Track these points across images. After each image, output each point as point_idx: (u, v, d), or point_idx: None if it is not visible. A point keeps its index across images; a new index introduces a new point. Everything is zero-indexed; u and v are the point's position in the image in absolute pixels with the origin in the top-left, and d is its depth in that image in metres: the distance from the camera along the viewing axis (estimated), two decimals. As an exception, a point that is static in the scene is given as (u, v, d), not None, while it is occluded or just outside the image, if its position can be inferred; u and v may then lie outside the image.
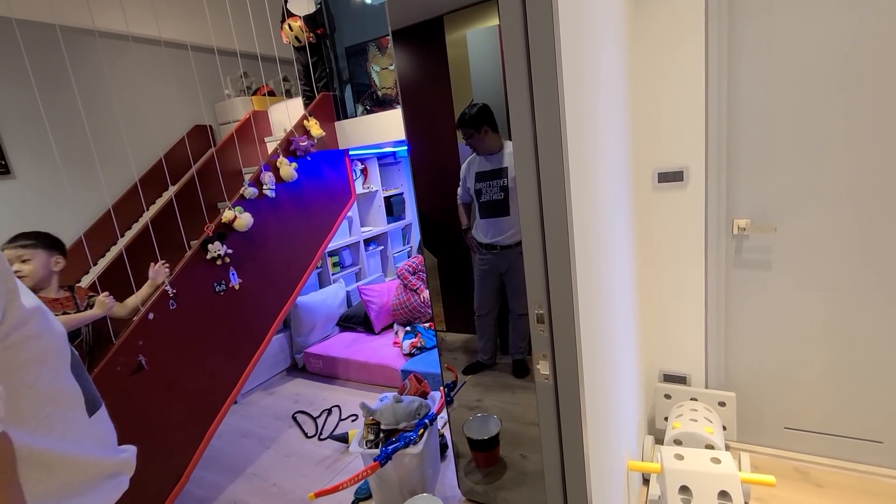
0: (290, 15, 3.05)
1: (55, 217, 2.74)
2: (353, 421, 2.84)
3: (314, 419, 2.91)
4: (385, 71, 3.12)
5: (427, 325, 3.50)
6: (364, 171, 4.33)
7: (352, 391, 3.27)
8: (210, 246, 2.23)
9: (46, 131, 2.69)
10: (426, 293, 3.56)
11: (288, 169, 2.64)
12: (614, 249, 1.37)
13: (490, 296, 1.87)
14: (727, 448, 1.88)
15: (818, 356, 1.84)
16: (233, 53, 2.84)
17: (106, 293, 1.78)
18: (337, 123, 3.16)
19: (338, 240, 3.98)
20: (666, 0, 1.77)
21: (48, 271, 1.76)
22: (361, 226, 4.36)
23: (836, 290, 1.76)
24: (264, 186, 2.54)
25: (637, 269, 1.94)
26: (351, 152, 3.44)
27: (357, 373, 3.35)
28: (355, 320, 3.84)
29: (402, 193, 4.82)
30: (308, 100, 3.16)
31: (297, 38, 3.06)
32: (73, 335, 1.84)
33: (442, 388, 2.11)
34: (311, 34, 3.06)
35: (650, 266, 2.04)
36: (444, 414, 2.09)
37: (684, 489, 1.40)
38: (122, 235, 2.98)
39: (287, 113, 3.18)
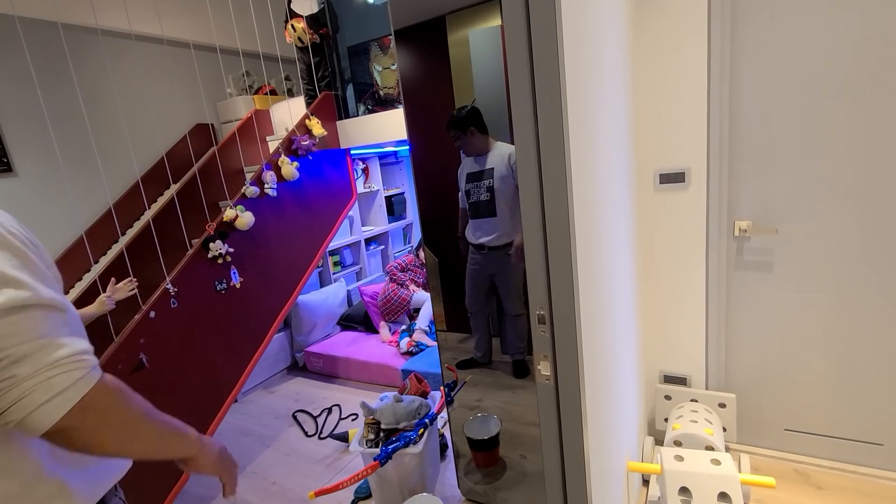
0: (294, 15, 3.06)
1: (57, 215, 2.75)
2: (353, 420, 2.84)
3: (314, 418, 2.91)
4: (387, 70, 3.13)
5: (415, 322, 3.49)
6: (365, 171, 4.33)
7: (352, 390, 3.28)
8: (211, 245, 2.23)
9: (49, 129, 2.70)
10: (413, 288, 3.55)
11: (289, 168, 2.64)
12: (615, 250, 1.37)
13: (480, 296, 1.88)
14: (727, 449, 1.88)
15: (819, 358, 1.84)
16: (235, 52, 2.84)
17: (107, 294, 1.78)
18: (339, 123, 3.16)
19: (339, 239, 3.99)
20: (668, 1, 1.77)
21: None
22: (362, 225, 4.37)
23: (836, 292, 1.76)
24: (266, 185, 2.54)
25: (638, 270, 1.94)
26: (352, 151, 3.44)
27: (357, 372, 3.35)
28: (356, 319, 3.84)
29: (403, 193, 4.82)
30: (310, 99, 3.16)
31: (300, 38, 3.06)
32: None
33: (442, 387, 2.11)
34: (314, 35, 3.06)
35: (651, 267, 2.04)
36: (444, 414, 2.10)
37: (684, 490, 1.40)
38: (124, 234, 2.98)
39: (289, 112, 3.18)
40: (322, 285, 4.00)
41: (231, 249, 2.33)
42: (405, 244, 5.07)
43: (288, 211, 2.76)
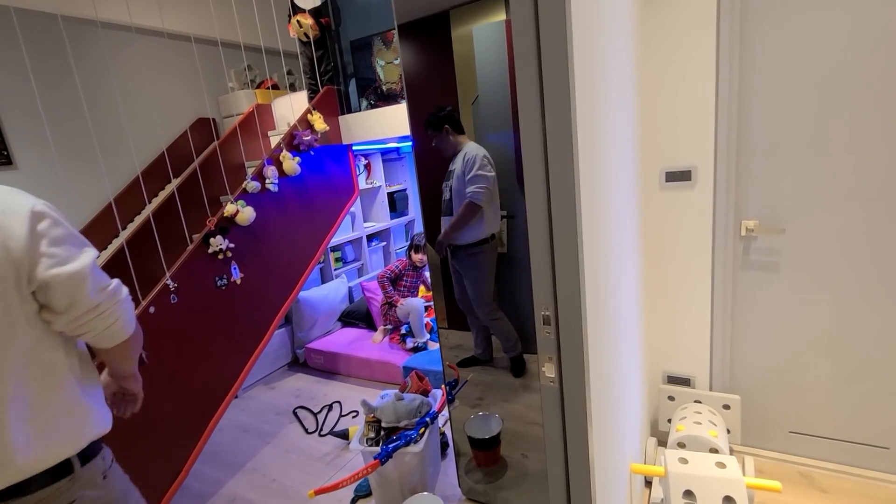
0: (297, 10, 3.02)
1: (57, 208, 2.73)
2: (353, 417, 2.83)
3: (315, 415, 2.90)
4: (390, 65, 3.10)
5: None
6: (367, 167, 4.30)
7: (353, 387, 3.26)
8: (212, 240, 2.22)
9: (46, 123, 2.68)
10: (401, 302, 3.44)
11: (291, 163, 2.62)
12: (621, 249, 1.34)
13: (460, 294, 1.90)
14: (731, 452, 1.86)
15: (825, 360, 1.82)
16: (237, 46, 2.81)
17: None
18: (341, 118, 3.14)
19: (340, 235, 3.97)
20: (677, -4, 1.74)
21: None
22: (364, 221, 4.35)
23: (844, 293, 1.74)
24: (267, 180, 2.52)
25: (643, 269, 1.92)
26: (355, 147, 3.41)
27: (358, 369, 3.34)
28: (357, 316, 3.82)
29: (405, 189, 4.80)
30: (313, 93, 3.14)
31: (305, 34, 3.03)
32: None
33: (444, 386, 2.09)
34: (318, 30, 3.03)
35: (656, 266, 2.02)
36: (445, 412, 2.08)
37: (688, 493, 1.38)
38: (124, 228, 2.97)
39: (291, 107, 3.15)
40: (323, 281, 3.98)
41: (232, 245, 2.31)
42: (407, 241, 5.05)
43: (289, 206, 2.74)
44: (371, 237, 4.48)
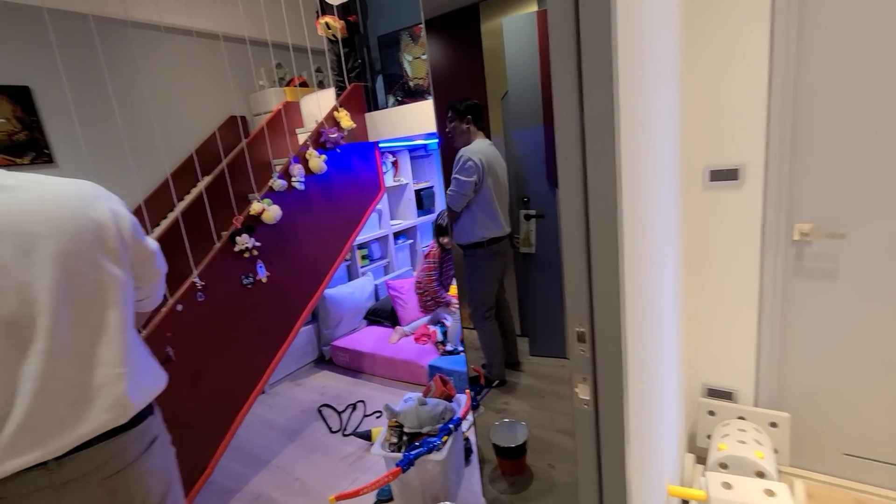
0: (326, 8, 2.99)
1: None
2: (377, 418, 2.81)
3: (339, 414, 2.89)
4: (417, 60, 3.03)
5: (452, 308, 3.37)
6: (395, 164, 4.27)
7: (377, 386, 3.25)
8: (238, 238, 2.22)
9: (86, 124, 2.75)
10: (454, 308, 3.39)
11: (317, 161, 2.60)
12: (663, 255, 1.24)
13: None
14: (779, 474, 1.72)
15: (885, 376, 1.65)
16: (264, 44, 2.82)
17: None
18: (367, 115, 3.10)
19: (367, 232, 3.95)
20: (727, -21, 1.60)
21: None
22: (391, 219, 4.32)
23: (912, 305, 1.57)
24: (293, 178, 2.51)
25: (682, 274, 1.80)
26: (382, 144, 3.37)
27: (383, 368, 3.32)
28: (382, 314, 3.80)
29: (432, 187, 4.74)
30: (340, 91, 3.11)
31: (333, 35, 3.01)
32: None
33: (468, 391, 2.03)
34: (345, 29, 3.00)
35: (696, 270, 1.89)
36: (469, 416, 2.02)
37: (732, 521, 1.27)
38: (159, 225, 3.03)
39: (318, 104, 3.14)
40: (350, 279, 3.98)
41: (258, 243, 2.31)
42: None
43: (315, 204, 2.72)
44: (398, 235, 4.45)
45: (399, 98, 3.15)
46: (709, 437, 1.87)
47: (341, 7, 3.00)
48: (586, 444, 0.84)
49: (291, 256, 2.58)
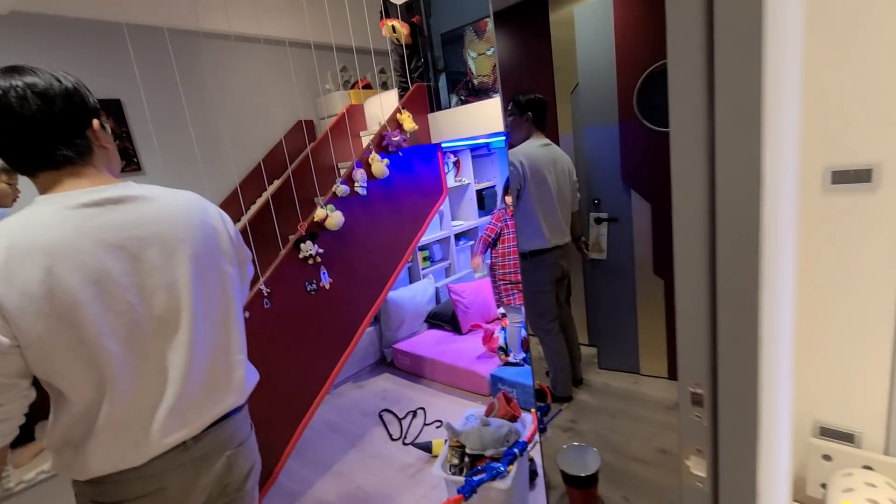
0: (390, 8, 2.95)
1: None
2: (437, 427, 2.73)
3: (399, 420, 2.85)
4: (482, 57, 2.90)
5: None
6: (456, 164, 4.17)
7: (437, 393, 3.18)
8: (302, 245, 2.22)
9: (165, 133, 2.89)
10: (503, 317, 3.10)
11: (379, 165, 2.55)
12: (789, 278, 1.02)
13: None
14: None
15: None
16: (329, 47, 2.82)
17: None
18: (430, 116, 3.02)
19: (428, 234, 3.88)
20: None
21: None
22: (452, 219, 4.23)
23: None
24: (356, 184, 2.48)
25: (795, 293, 1.52)
26: (444, 144, 3.29)
27: (444, 375, 3.24)
28: (443, 318, 3.73)
29: (494, 186, 4.59)
30: (403, 91, 3.06)
31: (397, 38, 2.96)
32: None
33: (533, 411, 1.89)
34: (409, 34, 2.94)
35: (811, 290, 1.60)
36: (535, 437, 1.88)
37: None
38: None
39: (381, 106, 3.11)
40: (411, 281, 3.94)
41: (321, 250, 2.31)
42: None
43: (377, 209, 2.69)
44: (459, 236, 4.35)
45: (462, 97, 3.04)
46: (823, 485, 1.59)
47: (404, 6, 2.94)
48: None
49: (354, 262, 2.56)
